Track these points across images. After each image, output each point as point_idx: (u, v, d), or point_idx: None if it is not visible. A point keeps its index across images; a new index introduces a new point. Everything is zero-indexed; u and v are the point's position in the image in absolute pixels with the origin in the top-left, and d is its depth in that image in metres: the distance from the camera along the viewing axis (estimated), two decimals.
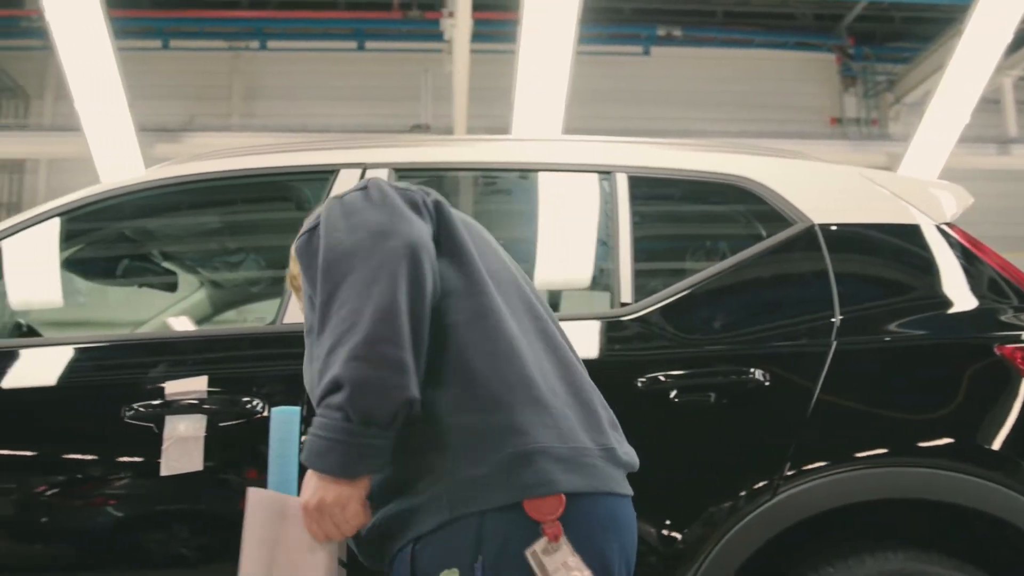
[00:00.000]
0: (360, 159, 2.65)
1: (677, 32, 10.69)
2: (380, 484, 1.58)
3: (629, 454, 1.69)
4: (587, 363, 2.32)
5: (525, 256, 3.60)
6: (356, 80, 10.34)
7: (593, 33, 9.51)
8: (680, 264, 3.03)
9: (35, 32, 9.57)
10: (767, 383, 2.25)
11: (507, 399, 1.54)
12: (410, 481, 1.55)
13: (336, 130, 8.79)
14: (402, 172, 2.65)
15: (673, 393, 2.25)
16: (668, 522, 2.19)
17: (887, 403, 2.31)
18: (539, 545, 1.43)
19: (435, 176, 2.84)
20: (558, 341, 1.73)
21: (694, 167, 2.68)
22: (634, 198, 2.59)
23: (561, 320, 2.44)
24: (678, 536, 2.18)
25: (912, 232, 2.54)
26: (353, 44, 10.50)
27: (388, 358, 1.46)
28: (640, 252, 2.55)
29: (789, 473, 2.19)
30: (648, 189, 2.71)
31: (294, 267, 1.78)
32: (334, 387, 1.46)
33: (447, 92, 8.44)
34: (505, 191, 3.19)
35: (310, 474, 1.52)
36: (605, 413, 1.70)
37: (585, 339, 2.38)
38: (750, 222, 2.71)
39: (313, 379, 1.61)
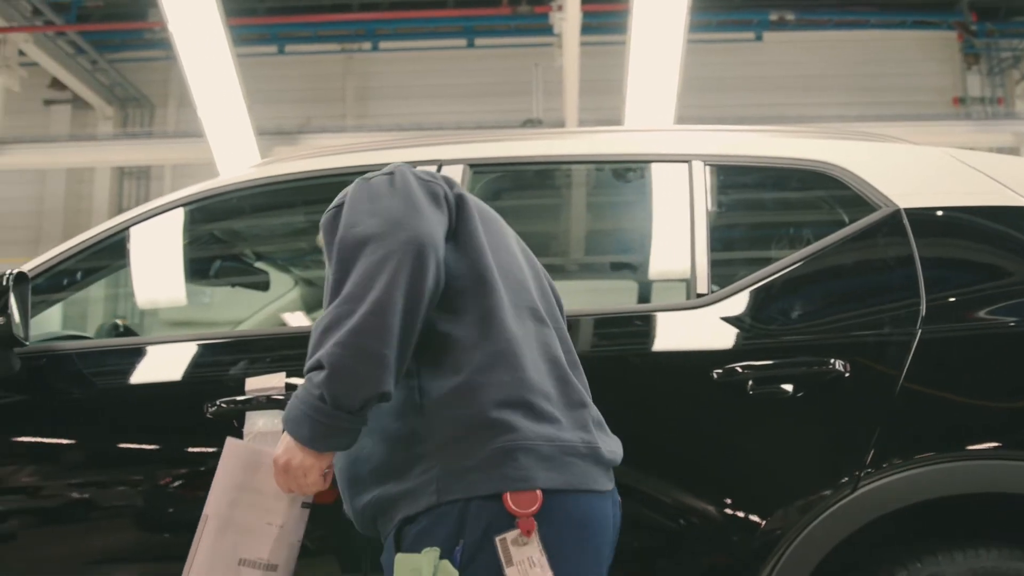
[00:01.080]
0: (435, 156, 2.64)
1: (790, 16, 10.50)
2: (377, 466, 1.69)
3: (614, 452, 1.76)
4: (662, 355, 2.35)
5: (599, 248, 3.58)
6: (467, 77, 10.42)
7: (704, 20, 9.41)
8: (759, 253, 2.97)
9: (158, 43, 9.92)
10: (848, 373, 2.19)
11: (500, 397, 1.62)
12: (405, 466, 1.65)
13: (449, 127, 8.87)
14: (477, 168, 2.64)
15: (750, 384, 2.20)
16: (743, 516, 2.15)
17: (975, 394, 2.22)
18: (511, 535, 1.53)
19: (510, 171, 2.82)
20: (554, 342, 1.79)
21: (774, 153, 2.61)
22: (711, 187, 2.55)
23: (635, 312, 2.46)
24: (754, 530, 2.13)
25: (1007, 214, 2.43)
26: (463, 41, 10.59)
27: (369, 351, 1.55)
28: (717, 241, 2.51)
29: (871, 466, 2.12)
30: (726, 177, 2.66)
31: (320, 239, 1.85)
32: (317, 366, 1.58)
33: (558, 86, 8.45)
34: (580, 184, 3.16)
35: (285, 434, 1.65)
36: (592, 413, 1.77)
37: (660, 331, 2.38)
38: (832, 208, 2.63)
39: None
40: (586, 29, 7.64)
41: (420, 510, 1.59)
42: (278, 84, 10.12)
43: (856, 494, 2.11)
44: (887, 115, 9.12)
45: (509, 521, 1.53)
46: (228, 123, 7.80)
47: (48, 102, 11.10)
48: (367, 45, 10.73)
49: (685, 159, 2.59)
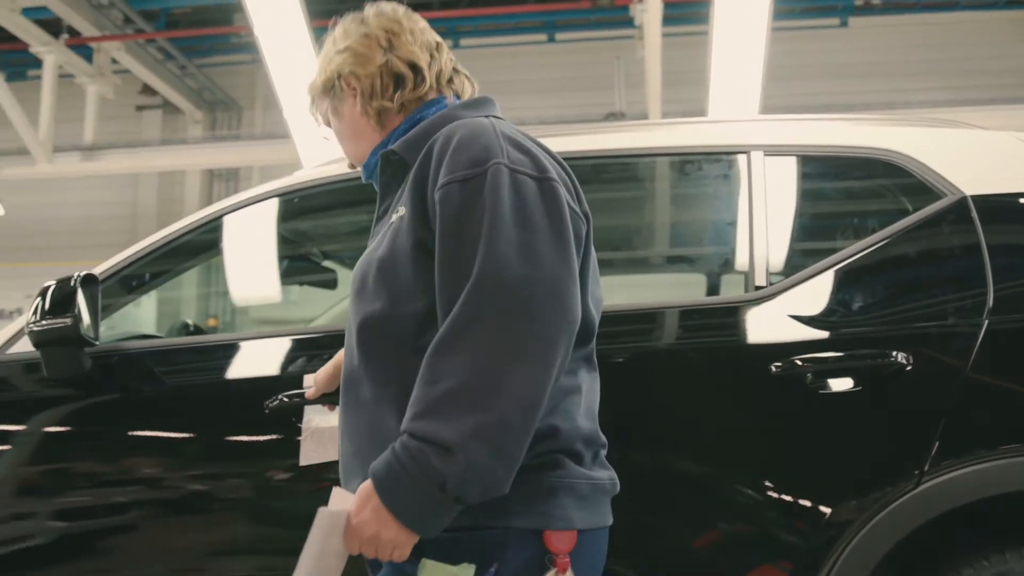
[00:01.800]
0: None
1: (876, 0, 10.28)
2: None
3: (616, 481, 1.70)
4: (719, 349, 2.33)
5: (657, 242, 3.56)
6: (548, 72, 10.42)
7: (787, 7, 9.26)
8: (819, 244, 2.91)
9: (244, 47, 10.12)
10: (910, 366, 2.14)
11: (557, 445, 1.55)
12: None
13: (531, 123, 8.83)
14: None
15: (810, 377, 2.17)
16: (803, 512, 2.13)
17: None
18: (550, 574, 1.51)
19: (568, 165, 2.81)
20: (597, 385, 1.75)
21: (834, 142, 2.56)
22: (770, 177, 2.51)
23: (693, 306, 2.43)
24: (814, 526, 2.10)
25: None
26: (544, 36, 10.59)
27: (513, 455, 1.41)
28: (776, 233, 2.48)
29: (934, 461, 2.07)
30: (785, 167, 2.62)
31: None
32: (445, 450, 1.38)
33: (640, 78, 8.40)
34: (636, 179, 3.13)
35: (373, 498, 1.44)
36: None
37: (717, 324, 2.35)
38: (895, 197, 2.58)
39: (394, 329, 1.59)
40: (667, 20, 7.59)
41: (456, 526, 1.47)
42: None
43: (919, 489, 2.07)
44: (979, 99, 8.85)
45: (545, 556, 1.51)
46: (313, 124, 7.88)
47: (140, 108, 11.43)
48: (448, 43, 10.77)
49: (743, 150, 2.57)
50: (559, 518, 1.52)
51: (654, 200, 3.35)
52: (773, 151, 2.55)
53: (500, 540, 1.50)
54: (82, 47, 9.71)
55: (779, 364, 2.17)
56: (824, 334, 2.25)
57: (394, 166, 1.77)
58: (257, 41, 7.06)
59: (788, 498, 2.14)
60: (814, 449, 2.17)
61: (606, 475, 1.64)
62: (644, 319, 2.38)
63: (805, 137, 2.61)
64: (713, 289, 3.46)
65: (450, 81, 1.90)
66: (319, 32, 7.21)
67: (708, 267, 3.50)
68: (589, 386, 1.67)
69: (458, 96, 1.89)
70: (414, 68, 1.83)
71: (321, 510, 1.48)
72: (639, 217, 3.51)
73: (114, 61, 9.96)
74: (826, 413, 2.18)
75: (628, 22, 8.53)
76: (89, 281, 2.37)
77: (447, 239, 1.51)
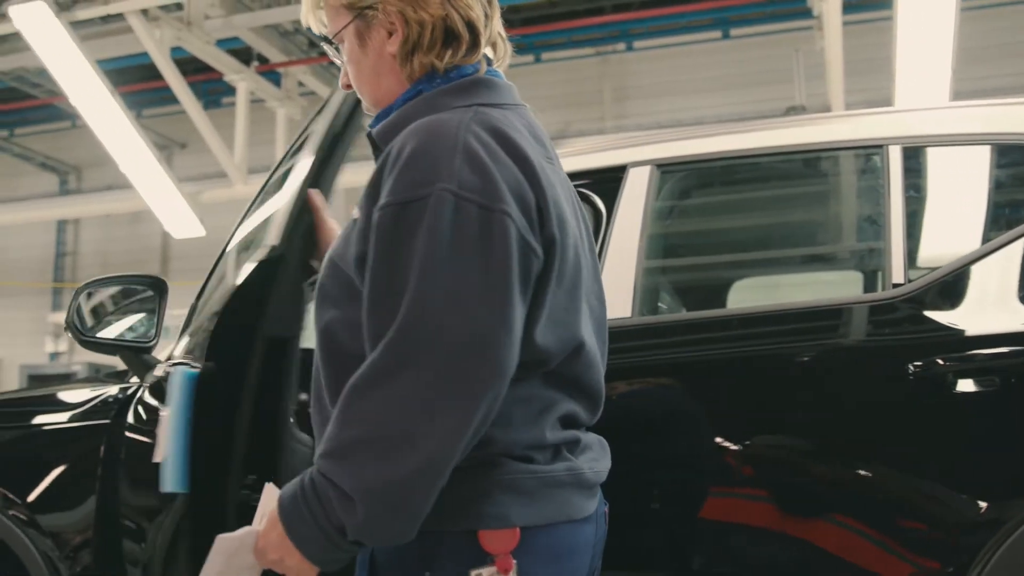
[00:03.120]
0: (622, 159, 2.61)
1: None
2: None
3: (599, 472, 1.60)
4: (854, 350, 2.25)
5: (789, 242, 3.45)
6: (724, 69, 10.27)
7: None
8: (961, 238, 2.76)
9: None
10: None
11: (489, 439, 1.44)
12: None
13: (709, 121, 8.79)
14: (665, 168, 2.60)
15: (951, 377, 2.05)
16: (941, 519, 2.03)
17: None
18: (487, 571, 1.42)
19: (697, 169, 2.75)
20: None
21: (979, 130, 2.42)
22: (908, 171, 2.40)
23: (828, 306, 2.34)
24: (954, 536, 2.00)
25: None
26: (718, 33, 10.44)
27: (416, 510, 1.36)
28: (914, 228, 2.38)
29: None
30: (924, 159, 2.50)
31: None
32: (347, 498, 1.34)
33: (820, 70, 8.18)
34: (768, 178, 3.03)
35: (282, 530, 1.41)
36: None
37: (852, 325, 2.28)
38: None
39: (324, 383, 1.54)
40: (847, 8, 7.37)
41: None
42: (536, 91, 10.33)
43: None
44: None
45: (484, 558, 1.43)
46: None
47: None
48: (621, 46, 10.78)
49: (879, 143, 2.46)
50: (493, 516, 1.43)
51: (788, 199, 3.27)
52: (910, 143, 2.45)
53: (433, 545, 1.44)
54: (271, 73, 10.21)
55: (918, 364, 2.09)
56: (966, 332, 2.15)
57: (376, 149, 1.62)
58: None
59: (931, 503, 2.07)
60: (958, 453, 2.09)
61: (562, 467, 1.51)
62: (779, 320, 2.33)
63: (947, 127, 2.50)
64: (850, 288, 3.36)
65: (493, 45, 1.66)
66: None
67: (844, 266, 3.40)
68: (549, 398, 1.53)
69: (490, 62, 1.65)
70: (471, 28, 1.58)
71: (220, 537, 1.48)
72: (773, 217, 3.43)
73: (300, 84, 10.40)
74: (969, 415, 2.08)
75: (806, 13, 8.33)
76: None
77: (376, 271, 1.41)
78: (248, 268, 2.05)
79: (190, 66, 9.86)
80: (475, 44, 1.59)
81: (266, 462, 2.02)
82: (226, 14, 8.99)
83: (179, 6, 8.80)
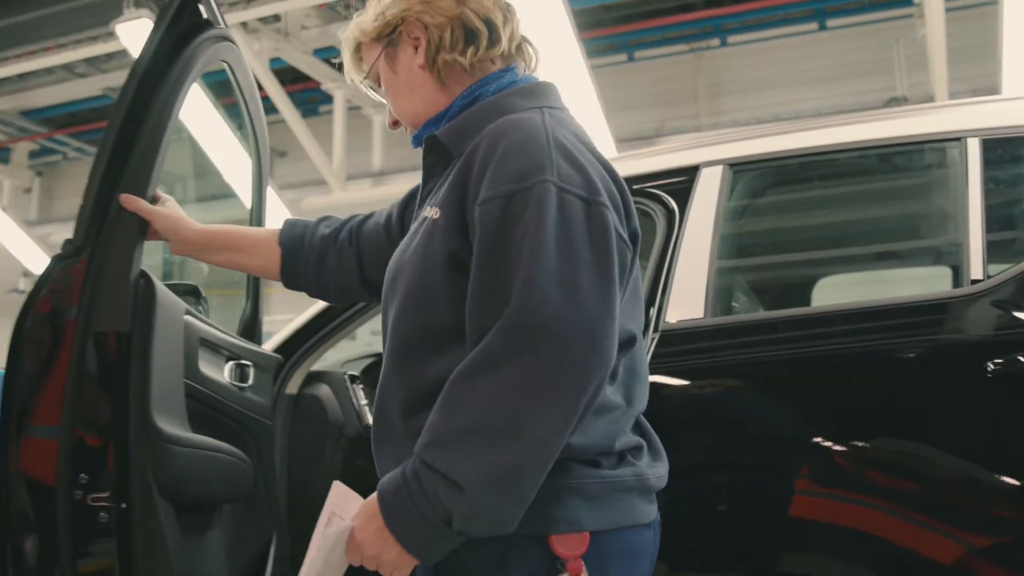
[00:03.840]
0: (694, 159, 2.61)
1: None
2: None
3: (661, 477, 1.62)
4: (929, 348, 2.19)
5: (863, 240, 3.38)
6: (821, 61, 10.08)
7: None
8: None
9: None
10: None
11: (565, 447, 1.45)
12: None
13: (807, 115, 8.65)
14: (737, 167, 2.59)
15: None
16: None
17: None
18: None
19: (769, 168, 2.73)
20: None
21: None
22: (988, 164, 2.33)
23: (901, 303, 2.28)
24: None
25: None
26: (814, 25, 10.25)
27: (524, 498, 1.37)
28: (994, 223, 2.32)
29: None
30: (1004, 152, 2.43)
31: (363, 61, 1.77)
32: (456, 487, 1.34)
33: (922, 59, 8.00)
34: (841, 175, 2.97)
35: (383, 520, 1.41)
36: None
37: (927, 323, 2.23)
38: None
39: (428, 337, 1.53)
40: None
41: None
42: (631, 90, 10.30)
43: None
44: None
45: (555, 562, 1.44)
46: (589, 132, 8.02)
47: None
48: (715, 42, 10.66)
49: (956, 137, 2.42)
50: (563, 521, 1.45)
51: (864, 196, 3.21)
52: (990, 135, 2.39)
53: (503, 549, 1.45)
54: None
55: (997, 362, 2.03)
56: None
57: (438, 152, 1.67)
58: None
59: (1009, 506, 2.01)
60: None
61: (629, 472, 1.54)
62: (854, 319, 2.28)
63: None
64: (928, 284, 3.27)
65: (519, 48, 1.74)
66: (587, 43, 7.32)
67: (921, 262, 3.35)
68: (617, 403, 1.55)
69: (526, 65, 1.74)
70: (489, 24, 1.68)
71: (326, 532, 1.48)
72: (850, 214, 3.37)
73: None
74: None
75: (906, 1, 8.14)
76: None
77: (484, 262, 1.44)
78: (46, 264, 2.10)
79: (288, 76, 10.06)
80: (497, 38, 1.68)
81: (97, 461, 2.04)
82: (322, 24, 9.15)
83: (277, 18, 8.98)
